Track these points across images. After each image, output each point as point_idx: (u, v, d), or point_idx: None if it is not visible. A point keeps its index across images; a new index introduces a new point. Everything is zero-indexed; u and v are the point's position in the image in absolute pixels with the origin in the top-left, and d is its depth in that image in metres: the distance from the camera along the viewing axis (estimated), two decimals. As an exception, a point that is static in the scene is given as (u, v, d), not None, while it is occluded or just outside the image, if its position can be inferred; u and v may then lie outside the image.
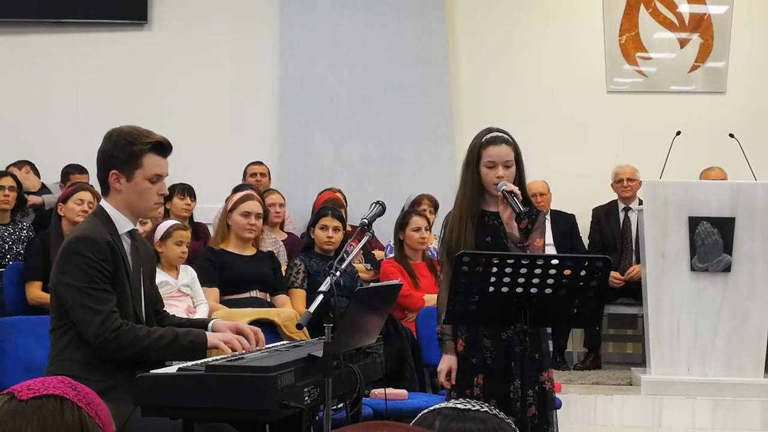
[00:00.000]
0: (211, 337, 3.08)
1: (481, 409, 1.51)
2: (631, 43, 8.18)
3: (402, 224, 5.96)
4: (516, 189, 3.53)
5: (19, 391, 1.41)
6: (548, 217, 7.01)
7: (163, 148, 3.16)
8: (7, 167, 7.19)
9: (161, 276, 4.74)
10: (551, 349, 6.18)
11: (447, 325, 3.65)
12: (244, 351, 3.05)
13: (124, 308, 3.05)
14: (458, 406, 1.52)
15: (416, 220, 5.98)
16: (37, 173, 7.50)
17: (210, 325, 3.25)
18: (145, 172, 3.11)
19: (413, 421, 1.53)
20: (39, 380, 1.44)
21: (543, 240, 3.70)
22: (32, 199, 6.86)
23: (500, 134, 3.67)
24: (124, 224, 3.14)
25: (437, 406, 1.54)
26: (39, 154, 7.59)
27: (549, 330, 5.98)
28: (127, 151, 3.10)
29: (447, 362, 3.68)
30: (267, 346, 3.27)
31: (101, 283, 2.99)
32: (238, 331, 3.21)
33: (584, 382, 6.19)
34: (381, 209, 3.35)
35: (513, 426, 1.53)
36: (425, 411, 1.53)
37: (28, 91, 8.13)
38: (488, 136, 3.66)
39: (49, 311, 3.14)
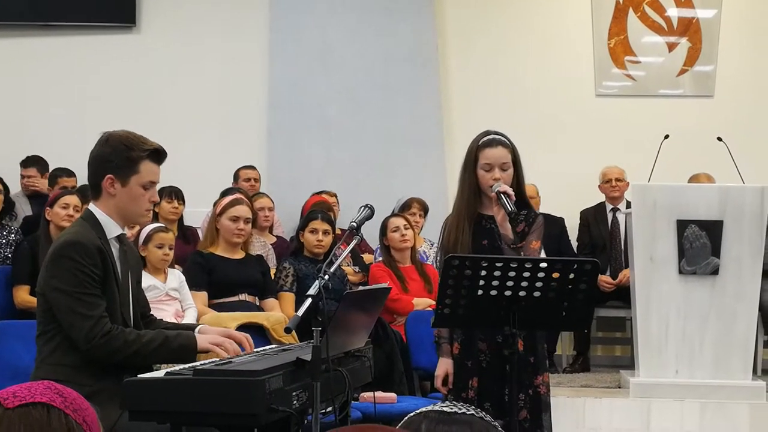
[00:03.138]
0: (201, 341, 3.07)
1: (467, 412, 1.51)
2: (620, 47, 8.20)
3: (383, 230, 6.00)
4: (509, 190, 3.53)
5: (5, 399, 1.40)
6: (538, 220, 7.00)
7: (159, 155, 3.17)
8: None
9: (149, 280, 4.73)
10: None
11: (444, 329, 3.63)
12: (233, 355, 3.05)
13: (112, 313, 3.04)
14: (444, 409, 1.52)
15: (393, 221, 6.03)
16: (41, 172, 7.38)
17: (197, 330, 3.24)
18: (140, 178, 3.11)
19: (399, 424, 1.53)
20: (25, 386, 1.43)
21: (540, 243, 3.68)
22: None
23: (497, 137, 3.66)
24: (113, 228, 3.13)
25: (424, 409, 1.54)
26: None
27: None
28: (124, 156, 3.09)
29: (443, 366, 3.66)
30: (255, 349, 3.27)
31: (91, 288, 2.98)
32: (229, 337, 3.20)
33: (573, 384, 6.19)
34: (370, 212, 3.34)
35: (500, 429, 1.53)
36: (411, 414, 1.53)
37: (16, 94, 8.09)
38: (485, 138, 3.66)
39: (36, 315, 3.13)
